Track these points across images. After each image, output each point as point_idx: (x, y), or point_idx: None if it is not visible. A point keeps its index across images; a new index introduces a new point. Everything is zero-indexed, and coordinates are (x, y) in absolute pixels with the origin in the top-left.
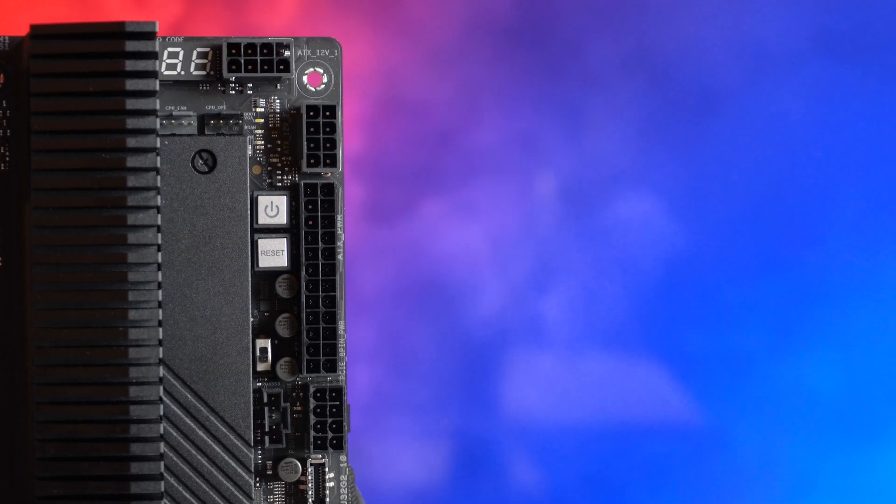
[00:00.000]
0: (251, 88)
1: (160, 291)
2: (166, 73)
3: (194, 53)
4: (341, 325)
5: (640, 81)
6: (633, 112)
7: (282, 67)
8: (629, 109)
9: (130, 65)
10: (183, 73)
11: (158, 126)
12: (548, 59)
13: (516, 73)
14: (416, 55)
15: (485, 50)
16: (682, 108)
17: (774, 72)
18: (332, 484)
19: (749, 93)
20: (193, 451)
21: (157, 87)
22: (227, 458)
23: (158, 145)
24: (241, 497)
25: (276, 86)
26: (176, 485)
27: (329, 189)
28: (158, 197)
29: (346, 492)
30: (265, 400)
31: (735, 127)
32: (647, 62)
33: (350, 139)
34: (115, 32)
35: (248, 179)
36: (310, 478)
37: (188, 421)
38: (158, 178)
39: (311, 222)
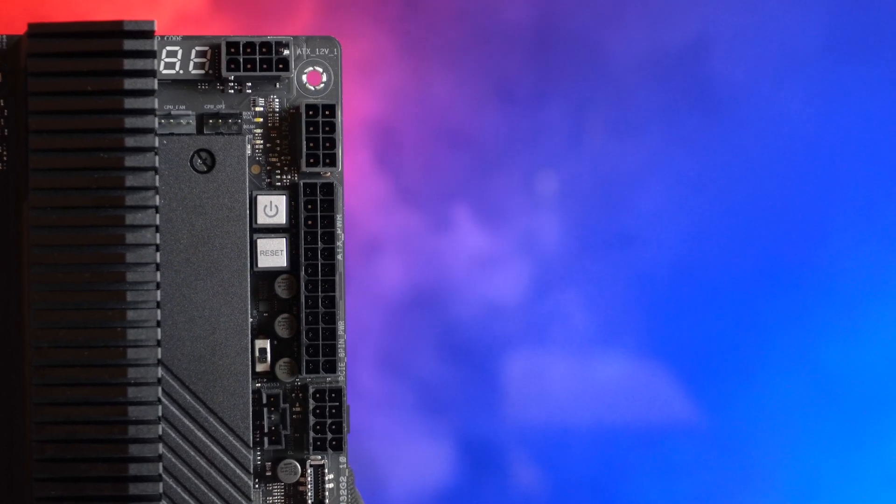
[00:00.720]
0: (250, 87)
1: (159, 292)
2: (165, 71)
3: (193, 52)
4: (341, 326)
5: (648, 82)
6: (640, 113)
7: (281, 66)
8: (636, 110)
9: (129, 63)
10: (182, 72)
11: (157, 125)
12: (557, 56)
13: (528, 70)
14: (433, 57)
15: (496, 49)
16: (689, 109)
17: (784, 71)
18: (331, 485)
19: (758, 94)
20: (192, 453)
21: (156, 87)
22: (226, 459)
23: (157, 145)
24: (239, 498)
25: (276, 85)
26: (175, 486)
27: (328, 189)
28: (157, 196)
29: (345, 493)
30: (264, 401)
31: (742, 129)
32: (656, 62)
33: (365, 139)
34: (114, 31)
35: (248, 179)
36: (309, 479)
37: (187, 422)
38: (157, 177)
39: (310, 222)
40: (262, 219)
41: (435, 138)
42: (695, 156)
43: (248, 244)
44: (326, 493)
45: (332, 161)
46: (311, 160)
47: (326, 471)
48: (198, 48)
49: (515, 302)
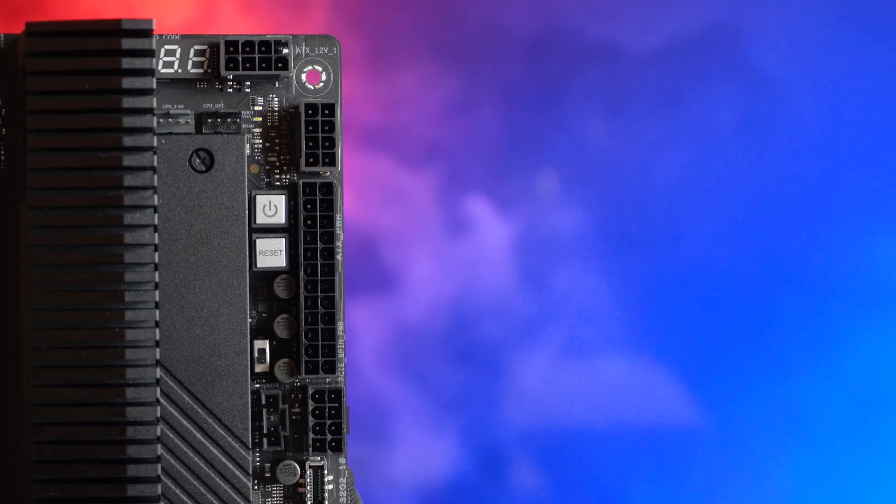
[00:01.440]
0: (249, 87)
1: (157, 292)
2: (163, 70)
3: (192, 51)
4: (340, 326)
5: (654, 79)
6: (645, 112)
7: (280, 65)
8: (642, 109)
9: (127, 63)
10: (180, 71)
11: (155, 125)
12: (561, 54)
13: (534, 68)
14: (443, 61)
15: (501, 46)
16: (695, 108)
17: (797, 68)
18: (330, 486)
19: (764, 92)
20: (191, 454)
21: (154, 86)
22: (224, 460)
23: (155, 144)
24: (238, 500)
25: (275, 84)
26: (173, 487)
27: (328, 188)
28: (155, 196)
29: (345, 494)
30: (263, 402)
31: (746, 128)
32: (660, 59)
33: (374, 137)
34: (112, 30)
35: (246, 178)
36: (308, 480)
37: (185, 423)
38: (155, 177)
39: (309, 222)
40: (261, 218)
41: (441, 137)
42: (698, 156)
43: (247, 244)
44: (326, 495)
45: (331, 160)
46: (311, 159)
47: (326, 472)
48: (196, 47)
49: (518, 302)
